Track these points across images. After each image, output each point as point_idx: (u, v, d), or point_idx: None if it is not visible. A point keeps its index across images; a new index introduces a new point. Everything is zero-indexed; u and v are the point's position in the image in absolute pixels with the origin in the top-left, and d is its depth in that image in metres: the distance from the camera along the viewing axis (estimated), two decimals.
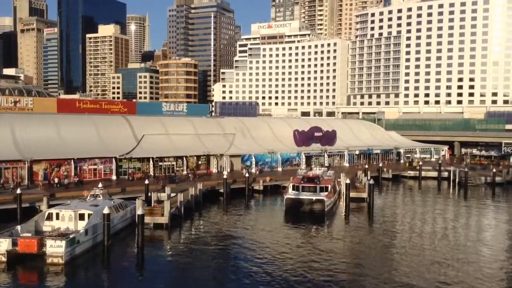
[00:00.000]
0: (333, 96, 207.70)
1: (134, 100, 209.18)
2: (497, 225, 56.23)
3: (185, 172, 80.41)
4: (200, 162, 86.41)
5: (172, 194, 58.05)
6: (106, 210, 41.04)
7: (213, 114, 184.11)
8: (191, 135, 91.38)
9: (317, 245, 45.82)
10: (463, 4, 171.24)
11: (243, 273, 37.43)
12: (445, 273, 37.60)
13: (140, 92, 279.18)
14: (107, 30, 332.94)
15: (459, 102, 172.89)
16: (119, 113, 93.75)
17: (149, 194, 59.79)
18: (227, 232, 50.35)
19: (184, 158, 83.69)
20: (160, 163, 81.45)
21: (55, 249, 37.62)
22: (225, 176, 68.83)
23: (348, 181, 63.73)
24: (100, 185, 55.27)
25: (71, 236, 39.56)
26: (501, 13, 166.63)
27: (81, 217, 44.13)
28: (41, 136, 74.31)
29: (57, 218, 44.20)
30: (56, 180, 66.55)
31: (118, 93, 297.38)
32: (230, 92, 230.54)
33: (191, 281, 36.29)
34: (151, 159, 79.90)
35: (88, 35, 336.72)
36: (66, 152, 72.81)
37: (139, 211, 42.06)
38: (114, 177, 75.36)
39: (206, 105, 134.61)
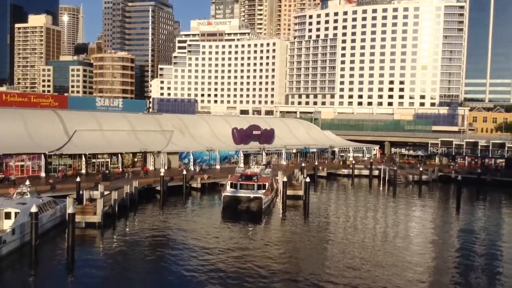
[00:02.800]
0: (272, 95, 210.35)
1: (66, 94, 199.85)
2: (422, 221, 59.46)
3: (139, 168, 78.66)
4: (136, 159, 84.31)
5: (106, 192, 56.18)
6: (34, 209, 39.09)
7: (150, 110, 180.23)
8: (126, 132, 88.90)
9: (254, 242, 46.20)
10: (395, 10, 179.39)
11: (178, 272, 36.94)
12: (372, 267, 39.27)
13: (73, 86, 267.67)
14: (37, 20, 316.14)
15: (390, 104, 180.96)
16: (50, 107, 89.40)
17: (81, 192, 57.48)
18: (163, 231, 49.48)
19: (119, 155, 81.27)
20: (93, 160, 78.58)
21: None
22: (162, 174, 67.65)
23: (285, 179, 64.77)
24: (27, 182, 52.36)
25: None
26: (430, 19, 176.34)
27: (7, 215, 41.79)
28: None
29: None
30: None
31: (48, 86, 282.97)
32: (169, 88, 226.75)
33: (123, 283, 35.33)
34: (83, 156, 76.84)
35: (17, 25, 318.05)
36: None
37: (69, 210, 40.32)
38: (43, 174, 71.70)
39: (143, 101, 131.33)
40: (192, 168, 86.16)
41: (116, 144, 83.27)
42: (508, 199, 78.17)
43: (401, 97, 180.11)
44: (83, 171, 75.96)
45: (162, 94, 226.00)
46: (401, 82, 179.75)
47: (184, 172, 71.08)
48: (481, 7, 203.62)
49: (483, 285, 36.06)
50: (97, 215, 49.00)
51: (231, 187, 62.93)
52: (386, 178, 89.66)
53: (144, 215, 57.22)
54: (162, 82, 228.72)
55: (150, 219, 55.20)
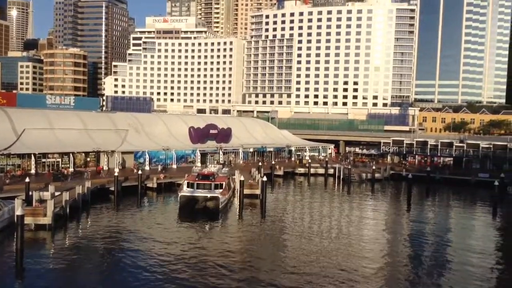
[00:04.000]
0: (229, 94, 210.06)
1: (14, 91, 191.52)
2: (375, 217, 61.18)
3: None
4: (89, 159, 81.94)
5: (57, 193, 54.30)
6: None
7: (104, 108, 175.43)
8: (78, 130, 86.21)
9: (210, 242, 46.01)
10: (349, 12, 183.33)
11: (132, 275, 36.21)
12: (328, 261, 40.05)
13: (22, 83, 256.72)
14: None
15: (345, 104, 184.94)
16: None
17: (30, 193, 55.25)
18: (117, 232, 48.37)
19: (71, 155, 78.71)
20: (44, 160, 75.73)
21: None
22: (116, 173, 66.10)
23: (242, 178, 64.84)
24: None
25: None
26: (382, 22, 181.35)
27: None
28: None
29: None
30: None
31: None
32: (123, 86, 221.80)
33: (75, 286, 34.26)
34: (32, 156, 73.91)
35: None
36: None
37: (18, 211, 38.67)
38: None
39: (96, 99, 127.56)
40: (148, 168, 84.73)
41: (67, 143, 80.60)
42: (455, 196, 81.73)
43: (355, 97, 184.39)
44: (33, 171, 73.04)
45: (116, 92, 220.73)
46: (355, 83, 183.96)
47: (139, 172, 69.74)
48: (431, 11, 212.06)
49: (431, 276, 37.55)
50: (47, 217, 47.26)
51: (187, 186, 62.34)
52: (341, 177, 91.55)
53: (97, 217, 55.73)
54: (116, 79, 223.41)
55: (103, 221, 53.82)
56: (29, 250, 39.92)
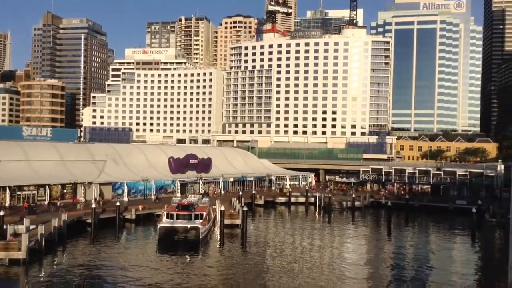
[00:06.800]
0: (209, 124, 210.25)
1: None
2: (356, 245, 61.09)
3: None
4: (65, 191, 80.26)
5: (32, 226, 52.79)
6: None
7: (81, 139, 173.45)
8: (55, 162, 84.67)
9: (191, 273, 45.11)
10: (326, 44, 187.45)
11: None
12: None
13: None
14: None
15: (324, 132, 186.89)
16: None
17: (4, 227, 53.55)
18: (94, 267, 47.05)
19: (47, 187, 77.04)
20: (19, 192, 73.88)
21: None
22: (93, 205, 64.77)
23: (222, 208, 64.29)
24: None
25: None
26: (358, 53, 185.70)
27: None
28: None
29: None
30: None
31: None
32: (102, 117, 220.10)
33: None
34: (7, 188, 72.08)
35: None
36: None
37: None
38: None
39: (74, 130, 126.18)
40: (126, 199, 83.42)
41: (43, 175, 79.00)
42: (434, 222, 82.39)
43: (333, 126, 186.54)
44: (7, 204, 71.06)
45: (94, 122, 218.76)
46: (333, 112, 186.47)
47: (118, 204, 68.49)
48: (405, 43, 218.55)
49: None
50: (22, 251, 45.77)
51: (167, 217, 61.44)
52: (322, 205, 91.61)
53: (73, 250, 54.24)
54: (94, 110, 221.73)
55: (80, 254, 52.38)
56: (3, 285, 38.43)
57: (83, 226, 64.43)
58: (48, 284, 40.82)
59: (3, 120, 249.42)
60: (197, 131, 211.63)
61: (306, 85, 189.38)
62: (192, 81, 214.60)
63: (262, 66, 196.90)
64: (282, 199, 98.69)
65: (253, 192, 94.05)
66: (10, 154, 79.71)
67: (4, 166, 76.07)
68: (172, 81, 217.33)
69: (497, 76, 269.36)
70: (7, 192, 72.05)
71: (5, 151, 79.61)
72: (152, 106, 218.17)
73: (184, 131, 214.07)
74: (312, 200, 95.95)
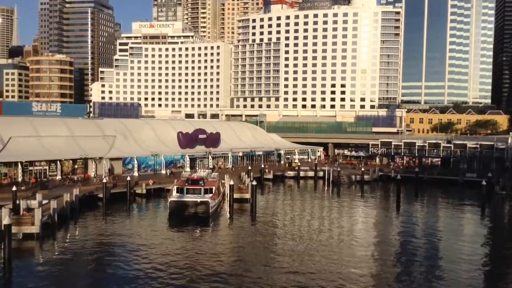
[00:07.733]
0: (217, 99, 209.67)
1: None
2: (365, 219, 61.38)
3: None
4: (76, 166, 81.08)
5: (45, 201, 53.60)
6: None
7: (91, 115, 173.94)
8: (65, 137, 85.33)
9: (201, 247, 45.72)
10: (335, 15, 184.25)
11: (123, 283, 35.80)
12: (320, 262, 40.00)
13: (7, 91, 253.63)
14: None
15: (332, 106, 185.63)
16: None
17: (18, 202, 54.46)
18: (106, 240, 47.86)
19: (58, 162, 77.84)
20: (31, 168, 74.78)
21: None
22: (104, 180, 65.47)
23: (232, 182, 64.65)
24: None
25: None
26: (368, 25, 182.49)
27: None
28: None
29: None
30: None
31: None
32: (110, 92, 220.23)
33: None
34: (19, 164, 72.95)
35: None
36: None
37: (5, 221, 38.12)
38: None
39: (83, 106, 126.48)
40: (137, 174, 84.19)
41: (54, 150, 79.73)
42: (444, 196, 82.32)
43: (342, 99, 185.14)
44: (20, 179, 72.08)
45: (103, 98, 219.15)
46: (343, 85, 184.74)
47: (128, 178, 69.13)
48: (416, 13, 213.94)
49: (421, 276, 37.69)
50: (35, 226, 46.59)
51: (177, 192, 61.97)
52: (331, 179, 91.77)
53: (85, 224, 55.12)
54: (103, 85, 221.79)
55: (92, 228, 53.24)
56: (17, 259, 39.32)
57: (95, 201, 65.28)
58: (62, 257, 41.62)
59: (12, 96, 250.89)
60: (205, 105, 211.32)
61: (314, 57, 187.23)
62: (199, 55, 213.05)
63: (270, 39, 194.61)
64: (291, 173, 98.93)
65: (262, 166, 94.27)
66: (20, 130, 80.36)
67: (15, 142, 76.81)
68: (180, 55, 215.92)
69: (509, 47, 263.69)
70: (19, 167, 72.93)
71: (16, 127, 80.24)
72: (160, 80, 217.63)
73: (193, 105, 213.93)
74: (321, 174, 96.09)
